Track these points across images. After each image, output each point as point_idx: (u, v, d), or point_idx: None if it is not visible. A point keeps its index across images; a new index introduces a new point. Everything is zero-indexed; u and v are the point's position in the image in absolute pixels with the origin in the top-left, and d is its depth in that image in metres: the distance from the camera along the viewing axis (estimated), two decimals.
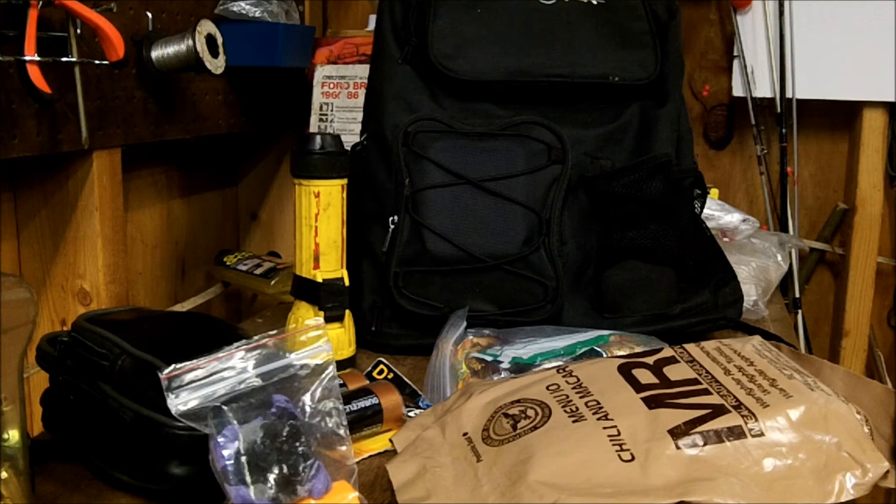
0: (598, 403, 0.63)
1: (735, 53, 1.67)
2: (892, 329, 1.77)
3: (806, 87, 1.64)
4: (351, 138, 1.14)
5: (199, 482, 0.61)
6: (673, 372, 0.67)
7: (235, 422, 0.57)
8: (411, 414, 0.79)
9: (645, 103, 1.05)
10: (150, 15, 1.09)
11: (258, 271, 1.30)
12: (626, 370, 0.68)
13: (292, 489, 0.57)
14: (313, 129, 1.44)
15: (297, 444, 0.58)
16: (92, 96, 0.99)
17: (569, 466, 0.57)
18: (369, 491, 0.68)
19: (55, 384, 0.73)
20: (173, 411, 0.57)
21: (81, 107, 0.94)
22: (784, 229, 1.67)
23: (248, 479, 0.55)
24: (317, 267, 0.91)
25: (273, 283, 1.27)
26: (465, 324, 0.87)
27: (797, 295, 1.67)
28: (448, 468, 0.62)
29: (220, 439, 0.56)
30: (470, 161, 0.99)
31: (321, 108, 1.44)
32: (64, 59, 0.92)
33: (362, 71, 1.40)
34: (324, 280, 0.90)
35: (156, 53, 1.08)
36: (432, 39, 1.01)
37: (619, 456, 0.58)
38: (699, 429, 0.59)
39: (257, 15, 1.25)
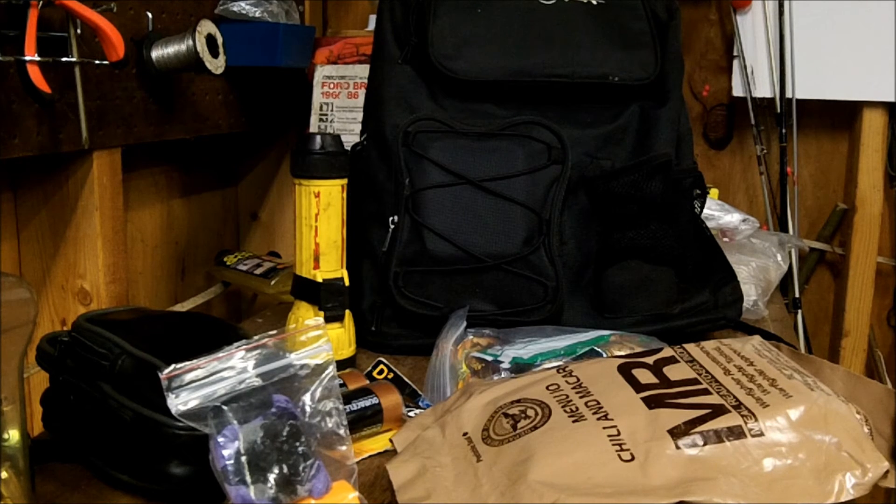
0: (598, 403, 0.63)
1: (735, 53, 1.67)
2: (892, 329, 1.77)
3: (806, 87, 1.64)
4: (351, 138, 1.14)
5: (199, 482, 0.61)
6: (673, 372, 0.67)
7: (235, 422, 0.57)
8: (411, 414, 0.79)
9: (645, 103, 1.05)
10: (150, 15, 1.09)
11: (258, 271, 1.30)
12: (626, 370, 0.68)
13: (292, 489, 0.57)
14: (313, 129, 1.44)
15: (297, 444, 0.58)
16: (92, 96, 0.99)
17: (569, 466, 0.57)
18: (369, 491, 0.68)
19: (55, 384, 0.73)
20: (173, 411, 0.57)
21: (81, 107, 0.94)
22: (784, 229, 1.67)
23: (248, 478, 0.55)
24: (317, 267, 0.91)
25: (273, 283, 1.27)
26: (465, 324, 0.87)
27: (797, 295, 1.67)
28: (448, 468, 0.62)
29: (220, 439, 0.56)
30: (470, 161, 0.99)
31: (321, 108, 1.44)
32: (64, 59, 0.92)
33: (362, 71, 1.40)
34: (324, 280, 0.90)
35: (156, 53, 1.08)
36: (432, 39, 1.01)
37: (619, 456, 0.58)
38: (699, 429, 0.59)
39: (257, 15, 1.25)
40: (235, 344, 0.61)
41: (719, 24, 1.74)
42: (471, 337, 0.87)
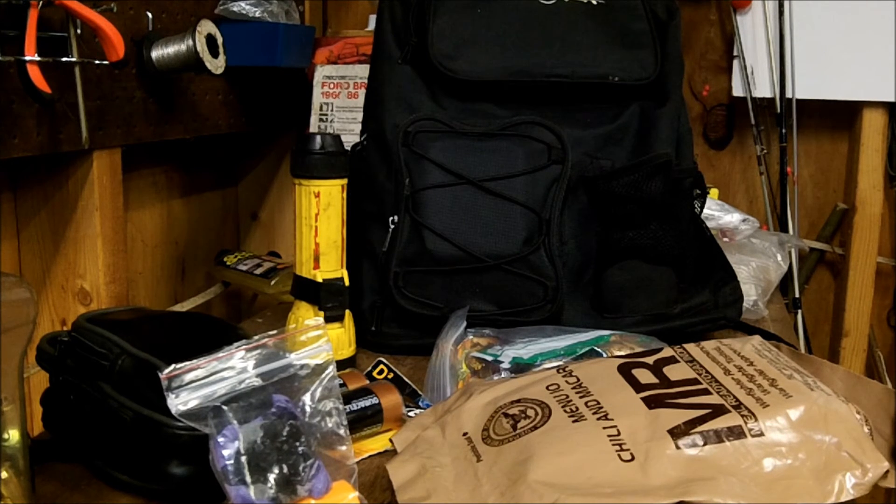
0: (598, 403, 0.63)
1: (735, 53, 1.67)
2: (892, 329, 1.77)
3: (806, 87, 1.64)
4: (351, 138, 1.14)
5: (199, 482, 0.61)
6: (673, 372, 0.67)
7: (235, 422, 0.57)
8: (411, 414, 0.79)
9: (645, 103, 1.05)
10: (150, 15, 1.09)
11: (258, 271, 1.30)
12: (626, 370, 0.68)
13: (292, 489, 0.57)
14: (313, 129, 1.44)
15: (297, 444, 0.58)
16: (92, 96, 0.99)
17: (569, 466, 0.57)
18: (369, 491, 0.68)
19: (55, 384, 0.73)
20: (173, 411, 0.57)
21: (81, 107, 0.94)
22: (784, 229, 1.67)
23: (248, 479, 0.55)
24: (317, 267, 0.91)
25: (273, 283, 1.27)
26: (465, 324, 0.87)
27: (797, 295, 1.67)
28: (448, 468, 0.62)
29: (220, 439, 0.56)
30: (470, 161, 0.99)
31: (321, 108, 1.44)
32: (64, 59, 0.92)
33: (362, 71, 1.40)
34: (324, 280, 0.90)
35: (156, 53, 1.08)
36: (432, 39, 1.01)
37: (619, 456, 0.58)
38: (699, 429, 0.59)
39: (257, 15, 1.25)
40: (235, 344, 0.61)
41: (719, 24, 1.74)
42: (471, 337, 0.87)
